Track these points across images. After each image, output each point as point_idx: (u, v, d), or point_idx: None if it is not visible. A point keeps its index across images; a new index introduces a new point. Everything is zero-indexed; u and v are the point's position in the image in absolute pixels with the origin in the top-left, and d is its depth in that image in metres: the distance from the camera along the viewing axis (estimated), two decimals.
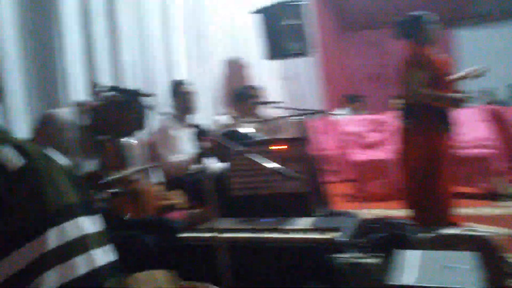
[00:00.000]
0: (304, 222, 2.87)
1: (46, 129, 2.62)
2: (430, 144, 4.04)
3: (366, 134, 6.64)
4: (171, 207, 3.54)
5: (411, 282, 2.28)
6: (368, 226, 3.21)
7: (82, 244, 0.58)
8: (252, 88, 5.86)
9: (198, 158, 2.35)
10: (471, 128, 5.85)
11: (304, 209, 3.11)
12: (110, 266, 0.61)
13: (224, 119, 4.97)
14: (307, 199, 3.16)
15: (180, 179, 3.92)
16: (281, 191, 3.19)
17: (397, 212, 4.79)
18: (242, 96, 5.10)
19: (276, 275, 2.77)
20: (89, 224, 0.61)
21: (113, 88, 2.89)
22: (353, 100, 8.78)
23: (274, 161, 3.18)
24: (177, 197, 3.66)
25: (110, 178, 2.72)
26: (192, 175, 3.94)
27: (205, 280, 2.68)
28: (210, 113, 5.82)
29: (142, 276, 1.31)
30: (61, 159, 0.64)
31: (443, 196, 4.04)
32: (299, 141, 3.35)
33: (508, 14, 11.06)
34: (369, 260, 2.94)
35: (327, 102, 9.46)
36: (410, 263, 2.51)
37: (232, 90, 5.34)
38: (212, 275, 2.40)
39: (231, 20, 6.61)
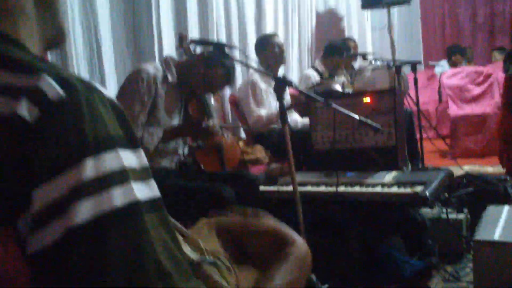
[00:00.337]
0: (388, 176, 2.77)
1: (135, 82, 2.67)
2: None
3: (467, 88, 6.27)
4: (254, 161, 3.56)
5: (496, 237, 2.17)
6: (456, 182, 3.07)
7: (121, 176, 0.58)
8: (349, 40, 5.70)
9: (281, 112, 2.30)
10: None
11: (390, 163, 3.00)
12: (151, 201, 0.61)
13: (313, 73, 4.87)
14: (394, 153, 3.05)
15: (263, 134, 3.93)
16: (366, 145, 3.10)
17: (492, 168, 4.52)
18: (337, 49, 4.95)
19: (357, 229, 2.73)
20: (131, 158, 0.61)
21: (199, 41, 2.89)
22: (456, 52, 8.26)
23: (360, 114, 3.10)
24: (260, 152, 3.67)
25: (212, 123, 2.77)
26: (275, 129, 3.93)
27: None
28: (298, 67, 5.77)
29: (233, 212, 1.33)
30: (106, 91, 0.63)
31: None
32: (388, 94, 3.20)
33: None
34: (454, 216, 2.82)
35: (427, 53, 9.01)
36: (497, 218, 2.38)
37: (327, 43, 5.18)
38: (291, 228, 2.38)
39: None
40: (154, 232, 0.59)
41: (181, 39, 3.06)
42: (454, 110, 6.07)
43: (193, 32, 4.24)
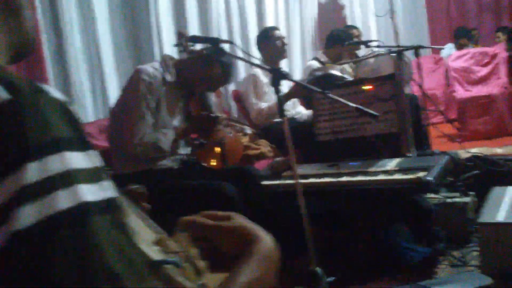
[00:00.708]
0: (391, 163, 2.75)
1: (136, 84, 2.66)
2: None
3: (473, 69, 6.21)
4: (259, 156, 3.56)
5: (500, 219, 2.15)
6: (462, 165, 3.04)
7: (66, 178, 0.57)
8: (352, 28, 5.65)
9: (279, 105, 2.28)
10: None
11: (393, 150, 2.98)
12: (103, 203, 0.60)
13: (316, 63, 4.84)
14: (397, 139, 3.03)
15: (268, 128, 3.92)
16: (368, 133, 3.08)
17: (501, 149, 4.47)
18: (338, 38, 4.91)
19: (362, 218, 2.72)
20: (80, 159, 0.60)
21: (196, 38, 2.88)
22: (463, 34, 8.16)
23: (362, 101, 3.08)
24: (265, 146, 3.66)
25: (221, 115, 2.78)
26: (279, 123, 3.91)
27: (287, 227, 2.69)
28: (301, 59, 5.74)
29: (205, 212, 1.32)
30: (55, 93, 0.63)
31: None
32: (389, 80, 3.17)
33: None
34: (459, 199, 2.80)
35: (433, 37, 8.91)
36: (502, 200, 2.36)
37: (329, 32, 5.14)
38: (295, 221, 2.38)
39: None
40: (104, 234, 0.58)
41: (180, 36, 3.06)
42: (461, 92, 6.01)
43: (194, 30, 4.25)
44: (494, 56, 6.12)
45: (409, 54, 4.29)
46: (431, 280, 2.14)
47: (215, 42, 2.42)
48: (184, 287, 0.77)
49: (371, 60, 4.48)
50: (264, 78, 4.07)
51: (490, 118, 5.66)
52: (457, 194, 2.89)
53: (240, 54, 3.77)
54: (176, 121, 2.81)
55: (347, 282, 2.45)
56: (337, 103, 3.06)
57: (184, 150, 2.92)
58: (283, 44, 4.30)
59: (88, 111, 3.28)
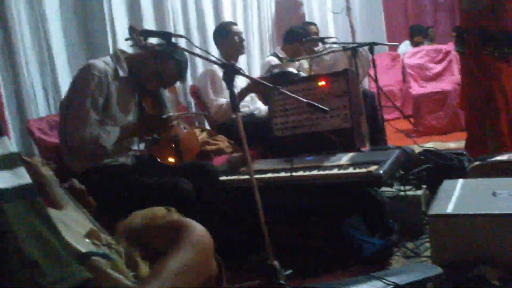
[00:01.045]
0: (345, 158, 2.79)
1: (85, 79, 2.60)
2: (486, 73, 3.76)
3: (427, 66, 6.36)
4: (217, 152, 3.54)
5: (449, 210, 2.20)
6: (414, 159, 3.11)
7: None
8: (310, 24, 5.67)
9: (232, 100, 2.27)
10: None
11: (347, 145, 3.02)
12: (16, 189, 0.58)
13: (274, 59, 4.84)
14: (350, 134, 3.07)
15: (226, 123, 3.91)
16: (323, 128, 3.12)
17: (455, 144, 4.59)
18: (297, 35, 4.93)
19: (317, 212, 2.74)
20: None
21: (148, 32, 2.83)
22: (418, 32, 8.32)
23: (316, 97, 3.11)
24: (223, 142, 3.65)
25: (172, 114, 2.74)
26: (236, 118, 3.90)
27: (244, 222, 2.70)
28: (260, 55, 5.74)
29: (140, 212, 1.31)
30: None
31: (502, 125, 3.77)
32: (342, 76, 3.21)
33: None
34: (410, 192, 2.86)
35: (390, 34, 9.04)
36: (452, 192, 2.42)
37: (288, 28, 5.16)
38: (252, 217, 2.37)
39: None
40: (18, 220, 0.57)
41: (132, 31, 3.00)
42: (416, 89, 6.15)
43: (149, 24, 4.18)
44: (447, 53, 6.27)
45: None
46: (384, 271, 2.16)
47: (167, 36, 2.38)
48: (114, 278, 0.76)
49: (327, 56, 4.51)
50: (221, 73, 4.04)
51: (443, 113, 5.81)
52: (411, 187, 2.95)
53: (195, 49, 3.74)
54: (130, 117, 2.76)
55: (303, 275, 2.47)
56: (292, 99, 3.08)
57: (141, 146, 2.89)
58: (241, 39, 4.28)
59: (40, 107, 3.18)
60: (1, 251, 0.54)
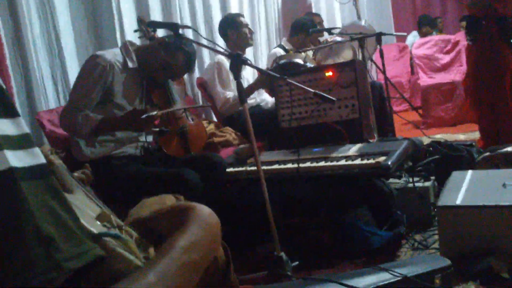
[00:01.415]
0: (353, 149, 2.78)
1: (88, 67, 2.62)
2: (501, 62, 3.71)
3: (436, 56, 6.31)
4: (224, 143, 3.54)
5: (458, 202, 2.19)
6: (423, 150, 3.09)
7: None
8: (314, 15, 5.65)
9: (239, 91, 2.26)
10: None
11: (355, 136, 3.01)
12: (32, 168, 0.59)
13: (280, 51, 4.82)
14: (358, 125, 3.05)
15: (233, 115, 3.90)
16: (330, 119, 3.10)
17: (464, 135, 4.57)
18: (303, 26, 4.90)
19: (325, 203, 2.74)
20: (3, 125, 0.58)
21: (156, 24, 2.83)
22: (426, 22, 8.26)
23: (323, 88, 3.09)
24: (230, 134, 3.65)
25: (154, 113, 2.71)
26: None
27: (252, 213, 2.70)
28: (267, 47, 5.73)
29: (150, 200, 1.32)
30: None
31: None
32: (349, 66, 3.18)
33: None
34: (419, 184, 2.84)
35: (398, 25, 9.00)
36: (460, 183, 2.40)
37: (297, 22, 5.13)
38: (259, 208, 2.38)
39: None
40: (34, 198, 0.57)
41: (140, 22, 3.01)
42: (424, 80, 6.11)
43: (156, 16, 4.18)
44: (456, 44, 6.22)
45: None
46: (392, 263, 2.16)
47: (175, 27, 2.38)
48: (126, 259, 0.77)
49: (332, 46, 4.49)
50: (228, 65, 4.02)
51: (452, 105, 5.77)
52: (419, 179, 2.94)
53: (202, 40, 3.73)
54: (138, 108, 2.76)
55: (310, 267, 2.47)
56: (299, 90, 3.07)
57: (149, 138, 2.89)
58: (250, 31, 4.26)
59: (49, 99, 3.20)
60: (18, 227, 0.55)
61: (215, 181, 2.71)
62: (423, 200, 2.79)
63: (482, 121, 3.95)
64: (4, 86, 0.62)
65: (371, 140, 3.05)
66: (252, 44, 4.44)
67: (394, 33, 6.56)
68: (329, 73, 3.18)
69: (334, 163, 2.61)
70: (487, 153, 2.86)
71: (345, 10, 7.32)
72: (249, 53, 5.01)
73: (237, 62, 2.24)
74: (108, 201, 1.53)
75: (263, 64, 5.35)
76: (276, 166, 2.77)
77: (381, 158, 2.47)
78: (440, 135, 4.42)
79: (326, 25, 5.67)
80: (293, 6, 6.23)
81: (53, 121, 2.94)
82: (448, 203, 2.22)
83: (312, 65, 3.58)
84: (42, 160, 0.62)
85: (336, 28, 5.05)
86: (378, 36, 4.02)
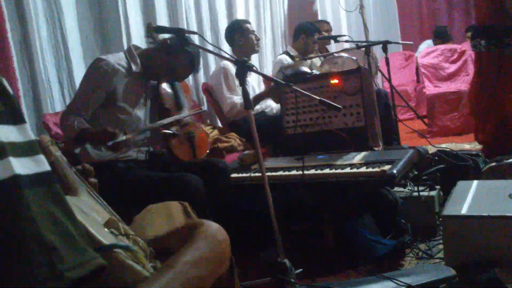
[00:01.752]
0: (358, 157, 2.77)
1: (91, 71, 2.63)
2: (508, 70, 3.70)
3: (442, 65, 6.30)
4: (229, 149, 3.54)
5: (463, 212, 2.18)
6: (428, 159, 3.08)
7: None
8: (322, 22, 5.65)
9: (244, 97, 2.25)
10: None
11: (360, 144, 3.01)
12: (36, 176, 0.58)
13: (286, 58, 4.83)
14: (364, 133, 3.05)
15: (238, 121, 3.90)
16: (335, 127, 3.10)
17: (469, 145, 4.55)
18: (304, 28, 4.90)
19: (329, 211, 2.73)
20: (11, 133, 0.58)
21: (161, 29, 2.84)
22: (442, 32, 8.22)
23: (329, 95, 3.09)
24: (235, 139, 3.65)
25: (163, 122, 2.74)
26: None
27: (256, 219, 2.69)
28: (272, 54, 5.73)
29: (156, 207, 1.32)
30: None
31: None
32: (355, 74, 3.18)
33: None
34: (424, 193, 2.83)
35: (404, 34, 8.99)
36: (466, 193, 2.39)
37: (298, 26, 5.13)
38: (263, 214, 2.37)
39: None
40: (37, 206, 0.57)
41: (149, 28, 3.01)
42: (430, 89, 6.10)
43: (162, 22, 4.19)
44: (462, 53, 6.22)
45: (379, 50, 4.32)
46: (396, 272, 2.15)
47: (181, 32, 2.39)
48: (135, 270, 0.77)
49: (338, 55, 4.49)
50: (234, 70, 4.02)
51: (458, 114, 5.76)
52: (424, 187, 2.93)
53: (208, 46, 3.73)
54: (140, 111, 2.76)
55: (314, 274, 2.46)
56: (304, 97, 3.07)
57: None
58: (257, 38, 4.27)
59: (55, 102, 3.22)
60: (21, 236, 0.55)
61: (219, 186, 2.71)
62: (428, 209, 2.77)
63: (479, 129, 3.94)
64: (12, 93, 0.61)
65: (376, 148, 3.05)
66: (258, 51, 4.44)
67: (400, 42, 6.56)
68: (334, 81, 3.18)
69: (339, 170, 2.60)
70: (493, 163, 2.85)
71: (351, 18, 7.33)
72: (254, 59, 5.02)
73: (243, 69, 2.24)
74: (112, 203, 1.53)
75: (268, 70, 5.35)
76: (280, 173, 2.77)
77: (386, 167, 2.47)
78: (446, 144, 4.39)
79: (333, 32, 5.67)
80: (298, 13, 6.23)
81: (59, 123, 2.95)
82: (453, 213, 2.21)
83: (317, 72, 3.57)
84: (47, 167, 0.62)
85: (342, 35, 5.05)
86: (384, 45, 4.02)
